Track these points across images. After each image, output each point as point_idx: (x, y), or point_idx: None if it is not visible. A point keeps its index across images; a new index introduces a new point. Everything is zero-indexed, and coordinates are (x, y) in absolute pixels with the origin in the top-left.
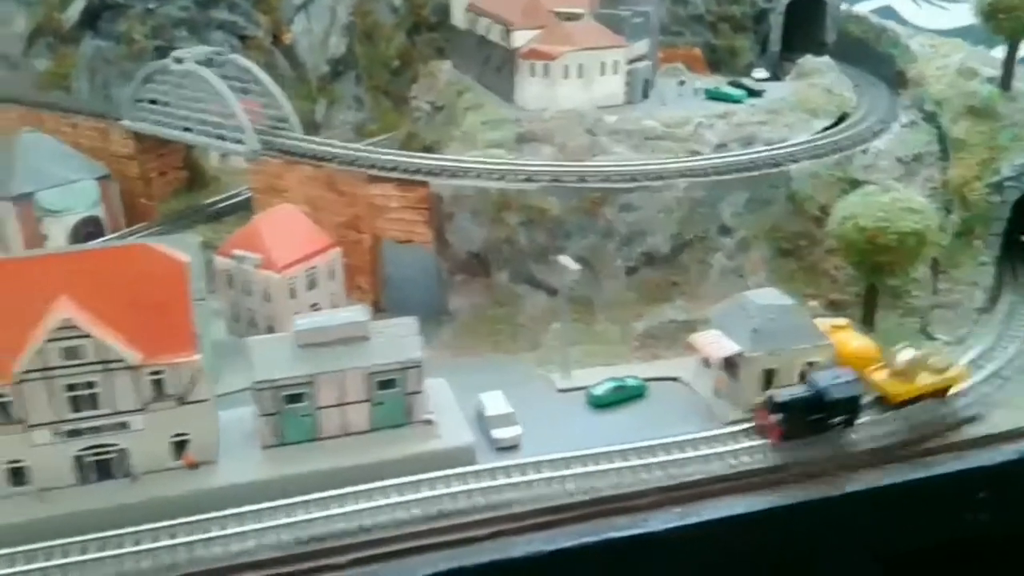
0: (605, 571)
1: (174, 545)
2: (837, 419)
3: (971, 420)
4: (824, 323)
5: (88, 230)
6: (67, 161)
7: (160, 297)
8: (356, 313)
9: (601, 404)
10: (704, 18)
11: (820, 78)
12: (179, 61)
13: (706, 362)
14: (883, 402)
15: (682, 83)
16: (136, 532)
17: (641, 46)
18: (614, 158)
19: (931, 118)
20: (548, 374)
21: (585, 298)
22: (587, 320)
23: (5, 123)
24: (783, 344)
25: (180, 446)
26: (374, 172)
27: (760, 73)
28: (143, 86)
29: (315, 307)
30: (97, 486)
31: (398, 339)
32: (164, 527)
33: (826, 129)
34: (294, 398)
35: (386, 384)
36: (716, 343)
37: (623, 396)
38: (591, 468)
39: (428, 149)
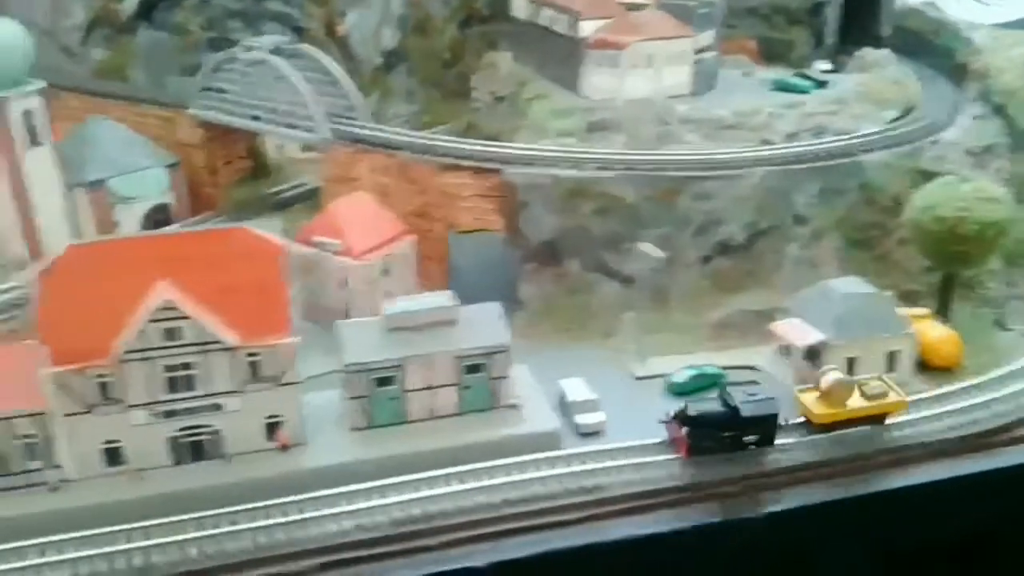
0: (694, 556)
1: (270, 526)
2: (751, 438)
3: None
4: (905, 313)
5: (158, 217)
6: (137, 148)
7: (257, 280)
8: (444, 298)
9: (681, 392)
10: (758, 10)
11: (882, 70)
12: (249, 49)
13: (784, 350)
14: (809, 424)
15: (747, 74)
16: (232, 512)
17: (707, 36)
18: (686, 147)
19: (999, 110)
20: (624, 362)
21: (659, 287)
22: (661, 309)
23: (70, 112)
24: (866, 332)
25: (272, 428)
26: (448, 160)
27: (822, 65)
28: (212, 74)
29: (389, 294)
30: (191, 467)
31: (485, 324)
32: (260, 507)
33: (894, 120)
34: (383, 381)
35: (473, 368)
36: (799, 331)
37: (702, 384)
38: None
39: (490, 139)
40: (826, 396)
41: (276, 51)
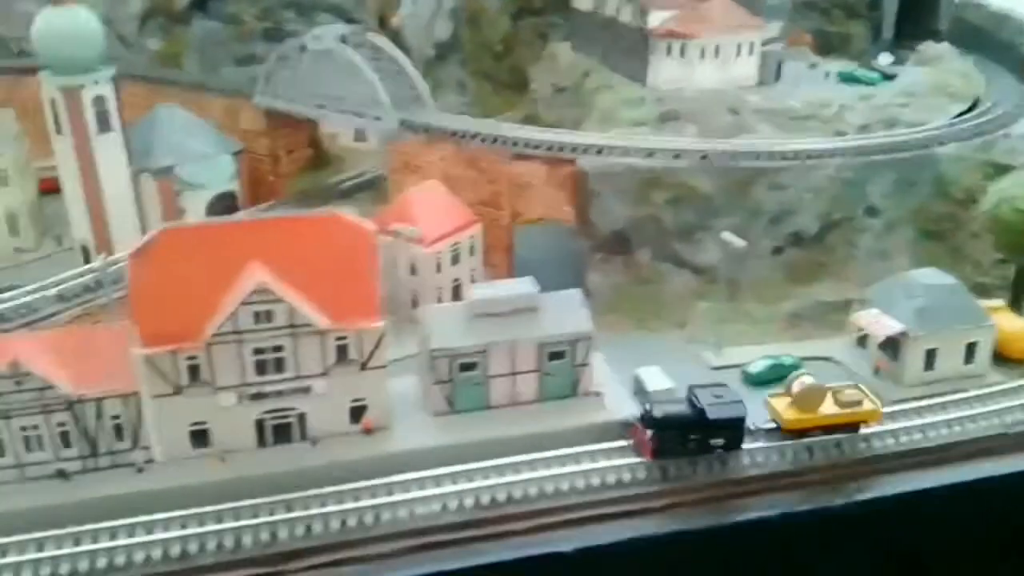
0: (781, 545)
1: (360, 508)
2: (717, 441)
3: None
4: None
5: (225, 204)
6: (203, 136)
7: (348, 264)
8: (527, 284)
9: (757, 382)
10: (816, 4)
11: (945, 64)
12: (317, 39)
13: (861, 341)
14: (780, 429)
15: (814, 66)
16: (321, 495)
17: (774, 27)
18: (758, 137)
19: None
20: (699, 351)
21: (733, 277)
22: (734, 299)
23: (130, 100)
24: (947, 323)
25: (356, 411)
26: (519, 149)
27: (886, 58)
28: (278, 63)
29: (456, 282)
30: (276, 449)
31: (567, 311)
32: (348, 490)
33: (962, 114)
34: (467, 367)
35: (556, 355)
36: (879, 322)
37: (779, 374)
38: (763, 444)
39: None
40: (797, 401)
41: (343, 40)
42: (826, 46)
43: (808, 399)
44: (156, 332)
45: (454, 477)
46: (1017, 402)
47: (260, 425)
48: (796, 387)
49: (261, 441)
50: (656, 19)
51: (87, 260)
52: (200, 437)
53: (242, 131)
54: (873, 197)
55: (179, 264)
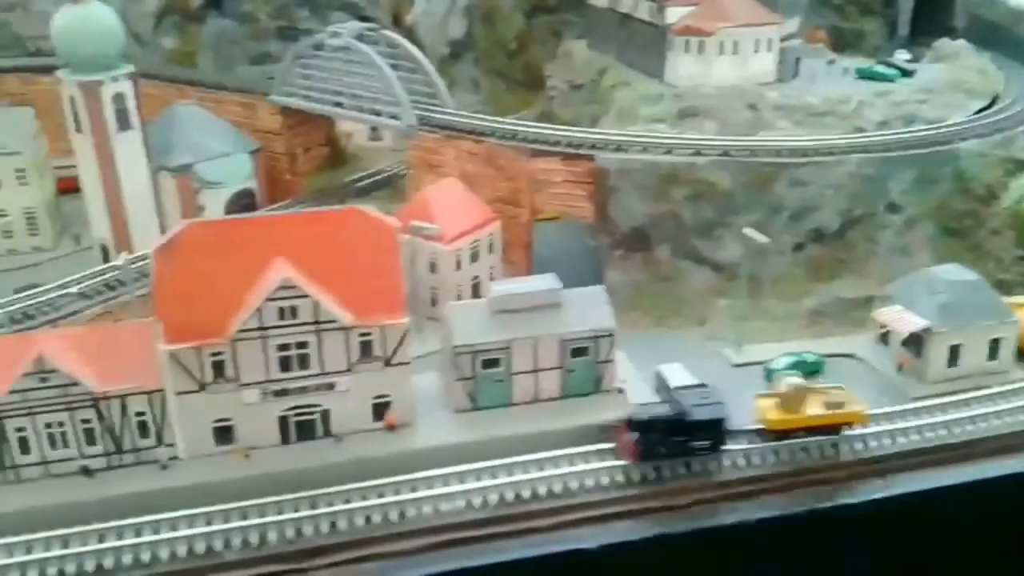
0: (807, 540)
1: (384, 504)
2: (700, 443)
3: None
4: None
5: (243, 202)
6: (221, 134)
7: (371, 260)
8: (550, 281)
9: None
10: (831, 0)
11: (962, 60)
12: (335, 36)
13: (884, 338)
14: (765, 431)
15: (831, 62)
16: (345, 491)
17: (792, 23)
18: (778, 133)
19: None
20: (719, 349)
21: (752, 274)
22: (754, 296)
23: (149, 98)
24: (970, 320)
25: (379, 408)
26: (538, 146)
27: (903, 55)
28: (295, 61)
29: (476, 280)
30: (299, 446)
31: (590, 308)
32: (371, 486)
33: (982, 110)
34: (490, 363)
35: (579, 352)
36: (902, 318)
37: (802, 371)
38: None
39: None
40: (783, 402)
41: (359, 37)
42: (840, 43)
43: (794, 400)
44: (181, 328)
45: (478, 474)
46: None
47: (284, 422)
48: (783, 388)
49: (285, 438)
50: (674, 15)
51: (106, 259)
52: (224, 434)
53: (258, 130)
54: (893, 193)
55: (204, 260)
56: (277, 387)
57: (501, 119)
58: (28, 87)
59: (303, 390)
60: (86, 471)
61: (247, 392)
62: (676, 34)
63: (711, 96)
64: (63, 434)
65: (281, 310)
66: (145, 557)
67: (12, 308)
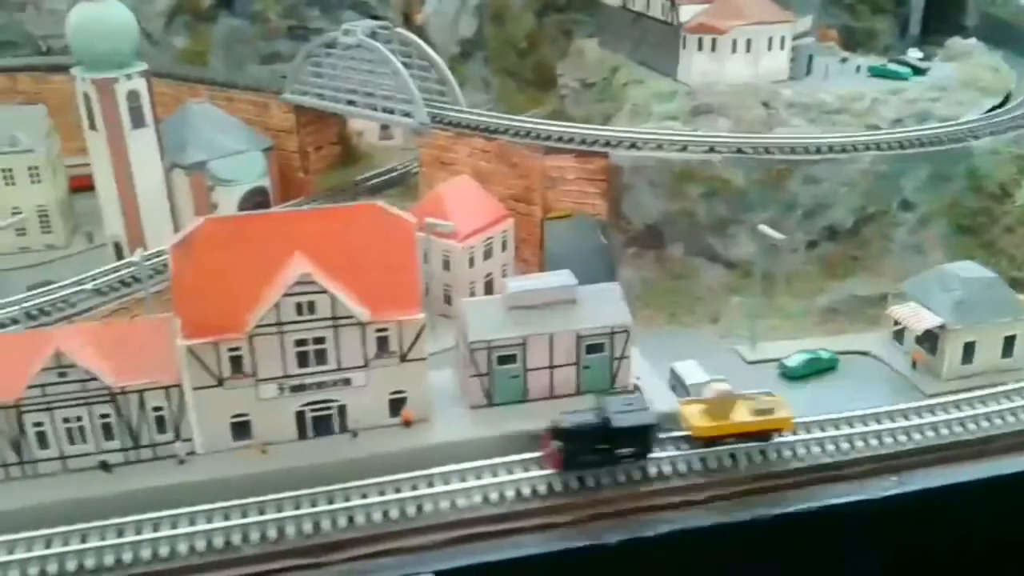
0: (824, 536)
1: (402, 499)
2: (625, 450)
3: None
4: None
5: (256, 200)
6: (234, 132)
7: (388, 255)
8: (564, 277)
9: (794, 376)
10: (842, 0)
11: (974, 59)
12: (348, 34)
13: (898, 335)
14: (692, 437)
15: (844, 60)
16: (362, 486)
17: (805, 22)
18: (791, 131)
19: None
20: (733, 346)
21: (766, 271)
22: (768, 293)
23: (160, 97)
24: (985, 316)
25: (396, 404)
26: (552, 144)
27: (916, 53)
28: (307, 59)
29: (489, 277)
30: (316, 441)
31: (605, 304)
32: (388, 481)
33: (995, 108)
34: (505, 359)
35: (594, 348)
36: (918, 315)
37: (816, 368)
38: (805, 436)
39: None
40: (710, 409)
41: (373, 36)
42: (851, 42)
43: (721, 406)
44: (198, 323)
45: (493, 469)
46: None
47: (300, 417)
48: (710, 393)
49: (301, 433)
50: (687, 13)
51: (119, 256)
52: (241, 429)
53: (271, 128)
54: (907, 191)
55: (221, 255)
56: (294, 382)
57: (514, 116)
58: (40, 86)
59: (320, 385)
60: (104, 466)
61: (264, 387)
62: (689, 32)
63: (724, 94)
64: (81, 429)
65: (299, 305)
66: (164, 551)
67: (28, 304)
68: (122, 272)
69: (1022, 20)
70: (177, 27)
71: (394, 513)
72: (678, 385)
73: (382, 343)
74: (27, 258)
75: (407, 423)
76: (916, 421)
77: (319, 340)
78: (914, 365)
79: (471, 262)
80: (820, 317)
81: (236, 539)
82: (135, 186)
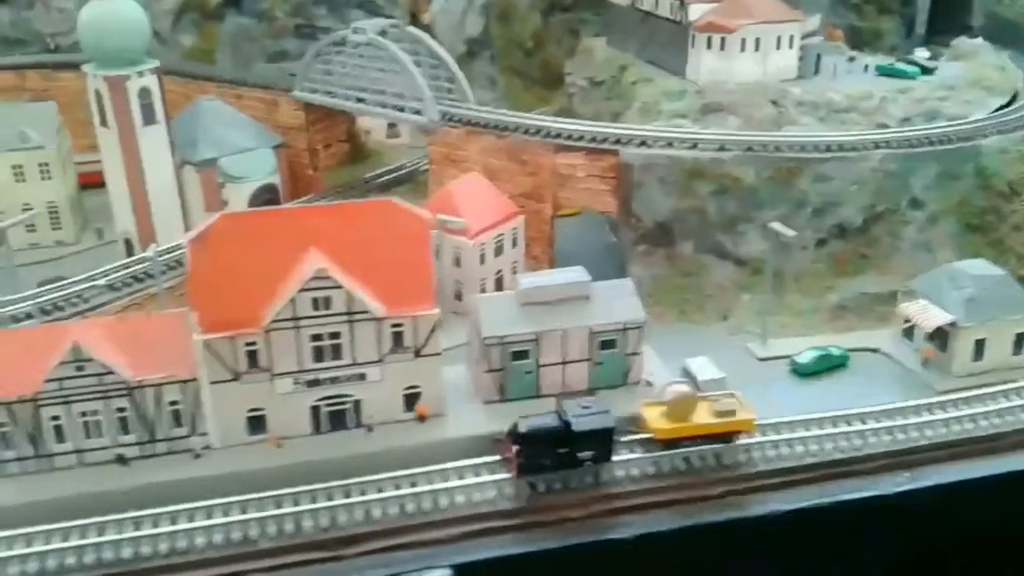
0: (834, 532)
1: (418, 493)
2: (585, 454)
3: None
4: None
5: (266, 197)
6: (245, 129)
7: (403, 251)
8: (578, 273)
9: (805, 373)
10: (848, 0)
11: (981, 58)
12: (358, 32)
13: (908, 332)
14: (652, 440)
15: (852, 59)
16: (378, 480)
17: (814, 21)
18: (801, 129)
19: None
20: (744, 343)
21: (776, 269)
22: (778, 291)
23: (169, 95)
24: (996, 314)
25: (410, 399)
26: (562, 141)
27: (923, 53)
28: (317, 57)
29: (499, 274)
30: (331, 436)
31: (618, 300)
32: (405, 475)
33: (1004, 106)
34: (519, 355)
35: (607, 344)
36: (928, 312)
37: (827, 365)
38: (817, 432)
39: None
40: (670, 411)
41: (382, 33)
42: (858, 41)
43: (681, 408)
44: (215, 318)
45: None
46: None
47: (316, 411)
48: (670, 395)
49: (317, 427)
50: (696, 12)
51: (130, 252)
52: (257, 423)
53: (280, 126)
54: (916, 189)
55: (237, 251)
56: (310, 377)
57: (524, 114)
58: (48, 83)
59: (335, 380)
60: (121, 459)
61: (280, 382)
62: (698, 31)
63: (734, 92)
64: (98, 423)
65: (315, 300)
66: (182, 544)
67: (41, 300)
68: (134, 268)
69: None
70: (185, 25)
71: (410, 507)
72: (690, 381)
73: (397, 338)
74: (37, 254)
75: (422, 418)
76: (927, 418)
77: (334, 335)
78: (925, 362)
79: (482, 259)
80: (830, 314)
81: (254, 532)
82: (146, 183)
